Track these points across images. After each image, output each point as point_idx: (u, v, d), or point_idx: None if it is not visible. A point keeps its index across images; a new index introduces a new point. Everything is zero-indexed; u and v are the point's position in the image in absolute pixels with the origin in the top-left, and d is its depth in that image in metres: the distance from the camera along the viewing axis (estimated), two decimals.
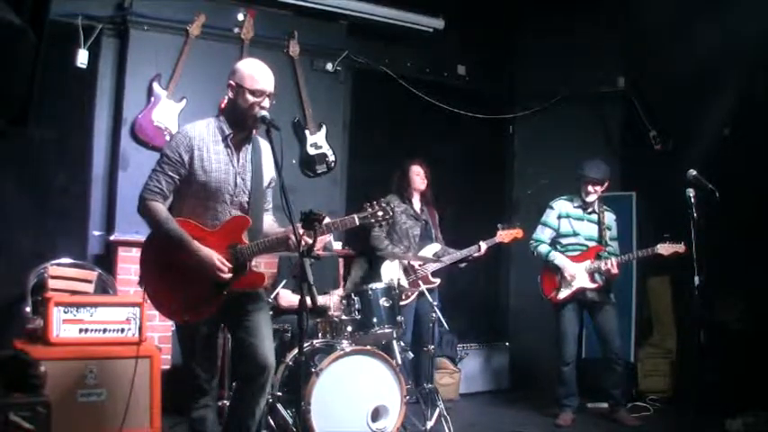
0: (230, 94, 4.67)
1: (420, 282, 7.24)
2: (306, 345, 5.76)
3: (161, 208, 4.54)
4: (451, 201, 8.26)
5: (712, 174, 6.23)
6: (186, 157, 4.54)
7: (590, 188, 7.36)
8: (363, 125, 9.00)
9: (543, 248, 7.53)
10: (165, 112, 7.52)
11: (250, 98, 4.59)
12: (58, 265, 6.81)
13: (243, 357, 4.73)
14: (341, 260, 8.16)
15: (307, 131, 8.26)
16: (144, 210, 4.56)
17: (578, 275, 7.33)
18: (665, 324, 8.86)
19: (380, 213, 4.84)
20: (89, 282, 6.79)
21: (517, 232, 7.62)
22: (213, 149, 4.61)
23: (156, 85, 7.53)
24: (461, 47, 9.56)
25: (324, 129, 8.34)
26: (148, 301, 4.67)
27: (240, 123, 4.66)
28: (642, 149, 9.03)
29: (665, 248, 7.05)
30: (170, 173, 4.55)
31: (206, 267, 4.50)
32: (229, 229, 4.64)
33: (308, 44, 8.35)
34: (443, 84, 9.46)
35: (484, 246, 7.56)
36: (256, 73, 4.63)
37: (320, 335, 6.41)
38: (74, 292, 6.47)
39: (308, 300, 4.30)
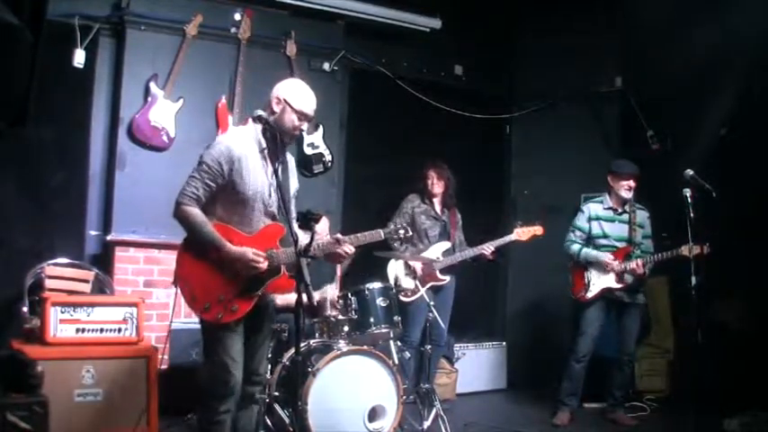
0: (275, 108, 4.84)
1: (418, 282, 7.26)
2: (303, 344, 5.75)
3: (197, 212, 4.66)
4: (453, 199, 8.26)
5: (709, 173, 6.25)
6: (226, 168, 4.66)
7: (627, 183, 7.38)
8: (360, 125, 9.01)
9: (575, 247, 7.52)
10: (162, 112, 7.53)
11: (295, 119, 4.80)
12: (56, 264, 6.82)
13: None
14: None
15: (303, 131, 8.18)
16: (180, 214, 4.67)
17: (606, 275, 7.35)
18: (663, 324, 8.88)
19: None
20: (86, 282, 6.80)
21: (537, 229, 7.53)
22: (252, 161, 4.74)
23: (153, 85, 7.54)
24: (459, 47, 9.57)
25: (321, 129, 8.36)
26: (182, 298, 4.76)
27: (279, 137, 4.81)
28: (639, 149, 9.02)
29: (689, 249, 6.70)
30: (207, 181, 4.66)
31: (242, 263, 4.65)
32: (266, 236, 4.81)
33: (305, 44, 8.36)
34: (441, 84, 9.48)
35: (490, 248, 7.53)
36: (306, 97, 4.85)
37: (317, 335, 6.43)
38: (71, 292, 6.49)
39: (305, 299, 4.35)
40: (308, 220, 4.64)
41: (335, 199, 8.57)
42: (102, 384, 5.77)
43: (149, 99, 7.54)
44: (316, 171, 8.33)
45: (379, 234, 5.03)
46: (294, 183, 5.09)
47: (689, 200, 6.07)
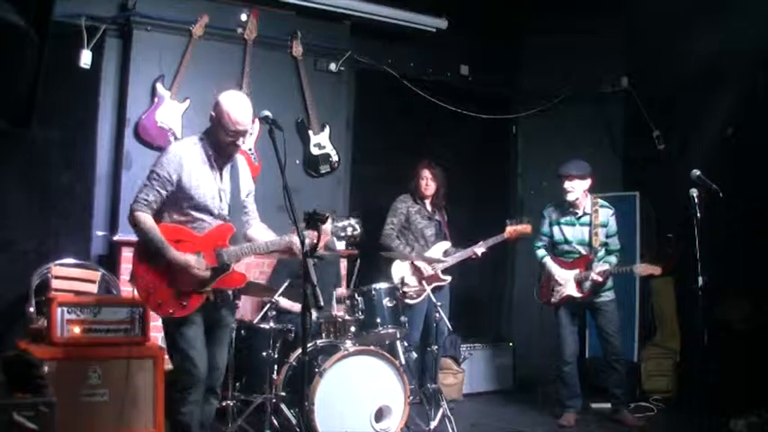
0: (210, 123, 5.06)
1: (424, 282, 7.27)
2: (309, 345, 5.75)
3: (147, 218, 4.93)
4: (455, 201, 8.25)
5: (716, 174, 6.23)
6: (175, 177, 4.94)
7: (566, 185, 7.36)
8: (367, 125, 9.00)
9: (540, 252, 7.63)
10: (169, 113, 7.53)
11: (226, 137, 4.99)
12: (62, 265, 6.84)
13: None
14: (343, 260, 8.17)
15: (310, 132, 8.26)
16: (132, 219, 4.96)
17: (567, 283, 7.37)
18: (669, 324, 8.86)
19: (350, 229, 5.12)
20: (93, 282, 6.81)
21: (525, 227, 7.52)
22: (199, 169, 5.01)
23: (159, 86, 7.54)
24: (464, 47, 9.54)
25: (327, 129, 8.34)
26: (137, 295, 5.03)
27: (219, 150, 5.07)
28: (645, 149, 9.02)
29: (641, 269, 7.19)
30: (158, 188, 4.94)
31: (184, 268, 4.92)
32: (215, 236, 5.06)
33: (311, 44, 8.35)
34: (446, 84, 9.44)
35: (480, 250, 7.53)
36: (234, 113, 4.95)
37: (323, 335, 6.44)
38: (77, 293, 6.50)
39: (312, 300, 4.40)
40: (314, 221, 4.65)
41: (342, 199, 8.55)
42: (109, 385, 5.76)
43: (156, 100, 7.53)
44: (322, 171, 8.31)
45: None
46: (247, 184, 5.33)
47: (695, 200, 6.05)
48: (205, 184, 5.01)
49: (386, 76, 8.96)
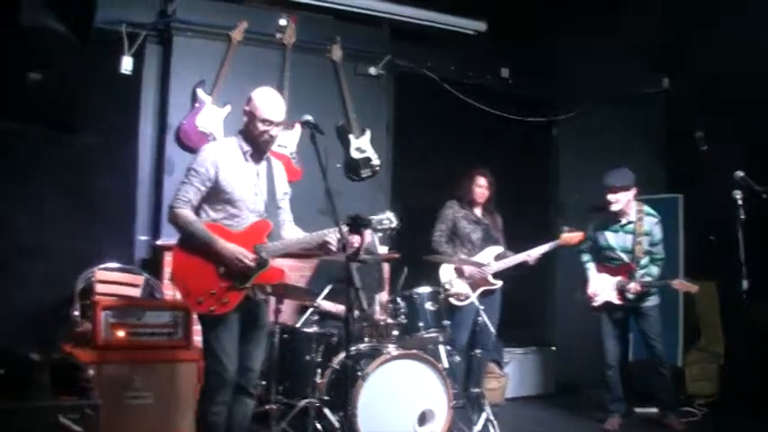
0: (245, 119, 5.16)
1: (472, 285, 7.25)
2: (352, 349, 5.75)
3: (188, 213, 5.01)
4: (496, 205, 8.21)
5: (759, 175, 6.16)
6: (213, 171, 5.01)
7: (609, 197, 7.31)
8: (407, 129, 8.97)
9: (583, 257, 7.63)
10: (210, 118, 7.55)
11: (260, 126, 5.06)
12: (106, 269, 6.89)
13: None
14: (386, 264, 8.17)
15: (351, 136, 8.26)
16: (173, 217, 5.04)
17: (606, 290, 7.34)
18: (713, 328, 8.74)
19: (386, 222, 5.15)
20: (136, 286, 6.85)
21: (578, 236, 7.48)
22: (236, 164, 5.09)
23: (200, 91, 7.57)
24: (504, 49, 9.47)
25: (368, 133, 8.34)
26: (178, 293, 5.13)
27: (254, 145, 5.14)
28: (688, 151, 8.93)
29: (678, 284, 7.18)
30: (197, 185, 5.02)
31: (232, 259, 4.96)
32: (253, 232, 5.10)
33: (350, 48, 8.35)
34: (486, 86, 9.38)
35: (534, 255, 7.49)
36: (267, 104, 5.08)
37: (366, 339, 6.44)
38: (121, 297, 6.54)
39: (355, 304, 4.42)
40: (357, 225, 4.67)
41: (383, 203, 8.45)
42: (153, 388, 5.81)
43: (197, 105, 7.57)
44: (363, 175, 8.32)
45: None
46: (283, 185, 5.38)
47: (739, 202, 5.98)
48: (242, 178, 5.08)
49: (425, 79, 8.93)
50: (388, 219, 5.12)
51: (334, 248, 5.04)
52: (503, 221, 7.86)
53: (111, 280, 6.75)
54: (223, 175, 5.01)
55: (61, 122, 6.66)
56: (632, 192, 7.33)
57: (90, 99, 6.71)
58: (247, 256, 4.97)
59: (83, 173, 7.25)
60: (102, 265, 6.91)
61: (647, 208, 7.40)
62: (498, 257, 7.56)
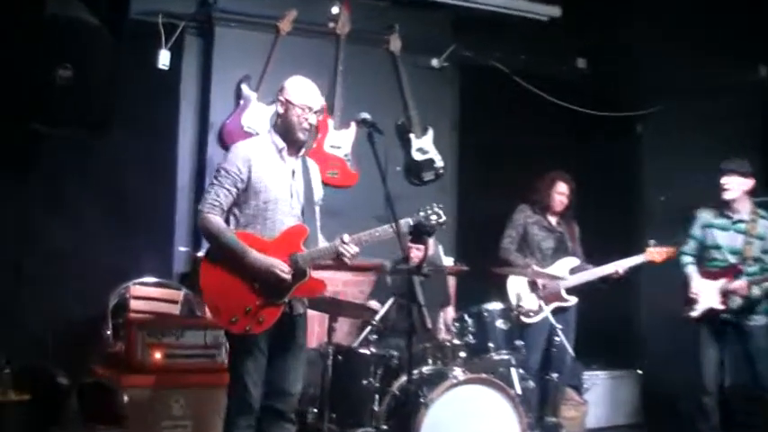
0: (280, 110, 5.13)
1: (542, 302, 7.15)
2: (414, 372, 5.69)
3: (218, 220, 4.95)
4: (574, 210, 8.09)
5: None
6: (245, 171, 4.98)
7: (723, 180, 7.10)
8: (474, 127, 8.89)
9: (684, 259, 7.36)
10: (256, 116, 7.52)
11: (299, 114, 5.04)
12: (141, 284, 6.90)
13: (271, 384, 5.07)
14: (452, 277, 8.09)
15: (411, 135, 8.23)
16: (202, 223, 4.98)
17: (707, 294, 7.13)
18: None
19: (434, 216, 5.08)
20: (174, 302, 6.86)
21: (669, 251, 7.33)
22: (269, 162, 5.06)
23: (244, 87, 7.55)
24: (581, 37, 9.33)
25: (430, 132, 8.30)
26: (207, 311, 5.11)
27: (291, 137, 5.10)
28: None
29: None
30: (227, 186, 4.97)
31: (267, 273, 4.87)
32: (288, 239, 5.01)
33: (410, 38, 8.30)
34: (562, 78, 9.26)
35: (620, 268, 7.39)
36: (303, 90, 5.11)
37: (430, 361, 6.36)
38: (158, 314, 6.56)
39: (419, 322, 4.36)
40: (420, 234, 4.60)
41: (449, 209, 8.31)
42: (192, 415, 5.80)
43: (241, 102, 7.55)
44: (426, 179, 8.27)
45: (400, 225, 4.91)
46: (318, 189, 5.33)
47: None
48: (277, 178, 5.06)
49: (494, 71, 8.83)
50: (436, 213, 5.07)
51: (348, 261, 5.00)
52: (580, 231, 7.75)
53: (148, 296, 6.79)
54: (256, 174, 4.99)
55: (93, 123, 6.73)
56: (748, 182, 7.12)
57: (124, 97, 6.76)
58: (283, 268, 4.90)
59: (116, 178, 7.28)
60: (137, 279, 6.92)
61: (763, 211, 7.21)
62: (574, 271, 7.47)
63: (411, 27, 8.33)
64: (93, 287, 6.86)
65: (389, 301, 6.63)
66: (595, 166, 9.28)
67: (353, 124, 7.69)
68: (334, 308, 5.89)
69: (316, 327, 7.15)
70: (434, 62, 8.45)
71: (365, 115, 4.92)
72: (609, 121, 9.21)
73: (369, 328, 6.46)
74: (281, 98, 5.11)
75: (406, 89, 8.24)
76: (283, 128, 5.10)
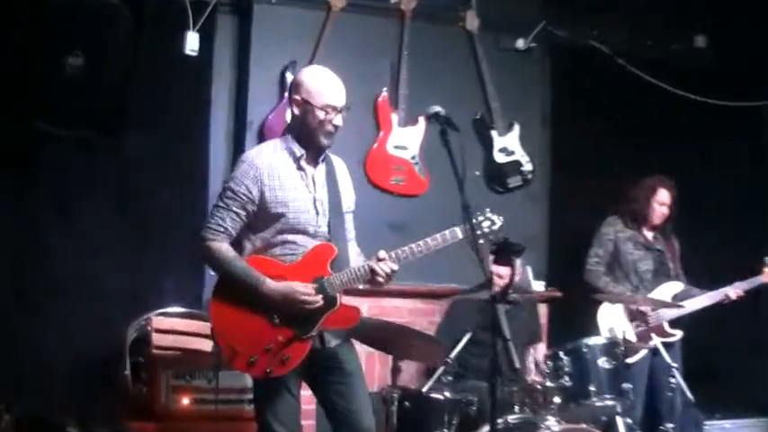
0: (296, 111, 5.10)
1: (652, 334, 7.10)
2: (499, 422, 5.66)
3: (225, 247, 4.96)
4: (688, 220, 8.01)
5: None
6: (255, 191, 4.97)
7: None
8: (569, 121, 8.87)
9: None
10: None
11: (320, 115, 5.01)
12: (166, 314, 6.93)
13: (341, 426, 5.09)
14: (543, 305, 8.09)
15: (493, 132, 8.23)
16: (205, 252, 4.99)
17: None
18: None
19: (487, 223, 5.10)
20: (206, 337, 6.82)
21: None
22: (285, 176, 5.05)
23: (289, 76, 7.52)
24: (698, 10, 9.24)
25: (516, 128, 8.30)
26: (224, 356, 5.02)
27: (311, 143, 5.09)
28: None
29: None
30: (235, 209, 4.97)
31: (286, 301, 4.85)
32: (311, 262, 5.01)
33: (490, 14, 8.30)
34: (676, 61, 9.21)
35: (733, 292, 7.34)
36: (325, 85, 5.08)
37: (517, 408, 6.33)
38: (186, 351, 6.58)
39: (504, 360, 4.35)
40: (506, 253, 4.55)
41: (539, 222, 8.52)
42: None
43: (286, 94, 7.49)
44: (511, 185, 8.27)
45: (444, 237, 4.97)
46: (349, 194, 5.33)
47: None
48: (295, 193, 5.04)
49: (592, 53, 8.83)
50: (489, 220, 5.08)
51: (382, 281, 4.97)
52: (680, 247, 7.77)
53: (173, 328, 6.79)
54: (270, 193, 4.98)
55: (107, 122, 6.77)
56: None
57: (144, 90, 6.80)
58: (305, 293, 4.88)
59: (135, 187, 7.33)
60: (161, 309, 6.95)
61: None
62: (678, 297, 7.42)
63: (492, 1, 8.33)
64: (107, 318, 6.90)
65: (467, 335, 6.61)
66: (718, 166, 9.20)
67: (422, 120, 7.72)
68: (400, 346, 5.87)
69: (377, 366, 7.15)
70: (520, 43, 8.43)
71: (437, 109, 4.88)
72: (735, 111, 9.12)
73: (442, 367, 6.44)
74: (296, 97, 5.07)
75: (485, 76, 8.22)
76: (302, 132, 5.09)
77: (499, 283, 6.70)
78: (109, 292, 7.03)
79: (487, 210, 5.08)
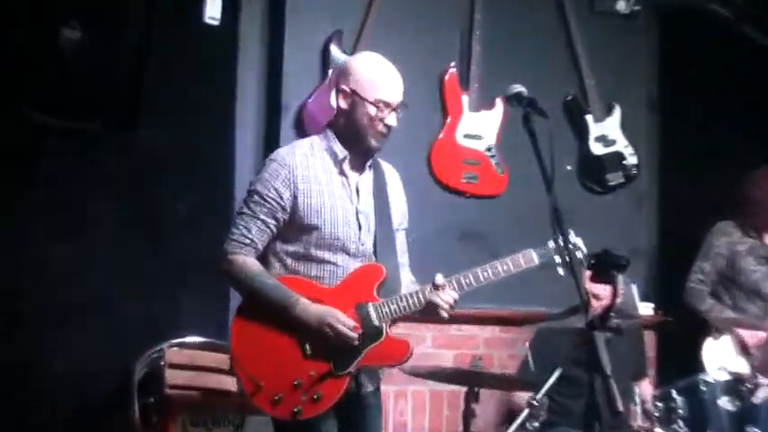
0: (342, 104, 5.11)
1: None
2: None
3: (251, 261, 4.99)
4: None
5: None
6: (286, 195, 5.00)
7: None
8: (683, 103, 8.79)
9: None
10: None
11: (371, 112, 5.02)
12: (182, 345, 6.88)
13: None
14: (651, 333, 7.92)
15: (588, 117, 8.23)
16: (227, 267, 5.01)
17: None
18: None
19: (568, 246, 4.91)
20: (230, 374, 6.76)
21: None
22: (324, 181, 5.09)
23: (334, 49, 7.56)
24: None
25: (617, 111, 8.29)
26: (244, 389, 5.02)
27: (358, 144, 5.12)
28: None
29: None
30: (263, 217, 4.99)
31: (322, 329, 4.85)
32: (355, 285, 5.04)
33: None
34: None
35: None
36: (379, 77, 5.09)
37: None
38: (207, 391, 6.54)
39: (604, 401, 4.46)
40: (606, 268, 4.44)
41: (646, 229, 8.54)
42: None
43: (330, 72, 7.53)
44: (611, 182, 8.26)
45: (517, 262, 5.01)
46: (398, 206, 5.36)
47: None
48: (336, 201, 5.07)
49: (710, 19, 8.68)
50: (574, 245, 4.99)
51: (445, 313, 4.97)
52: None
53: (192, 363, 6.75)
54: (304, 200, 5.00)
55: (113, 110, 6.73)
56: None
57: (157, 70, 6.74)
58: (346, 323, 4.85)
59: (146, 188, 7.29)
60: (176, 339, 6.91)
61: None
62: None
63: None
64: (111, 349, 6.86)
65: (556, 372, 6.51)
66: None
67: (500, 102, 7.70)
68: (472, 383, 5.79)
69: (445, 409, 7.08)
70: (621, 5, 8.40)
71: (519, 89, 4.74)
72: None
73: (526, 411, 6.34)
74: (344, 87, 5.07)
75: (578, 47, 8.21)
76: (347, 130, 5.11)
77: (597, 305, 6.62)
78: (114, 318, 7.00)
79: (571, 232, 4.98)
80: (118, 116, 6.71)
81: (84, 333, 6.84)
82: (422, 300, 4.93)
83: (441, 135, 7.69)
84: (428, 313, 5.00)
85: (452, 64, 7.88)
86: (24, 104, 6.44)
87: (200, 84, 7.45)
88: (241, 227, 4.95)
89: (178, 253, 7.33)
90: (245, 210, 4.99)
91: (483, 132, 7.77)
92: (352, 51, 7.49)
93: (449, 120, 7.76)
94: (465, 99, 7.81)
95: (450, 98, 7.82)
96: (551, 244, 5.01)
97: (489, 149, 7.77)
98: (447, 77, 7.85)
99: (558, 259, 5.01)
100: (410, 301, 4.94)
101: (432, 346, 7.37)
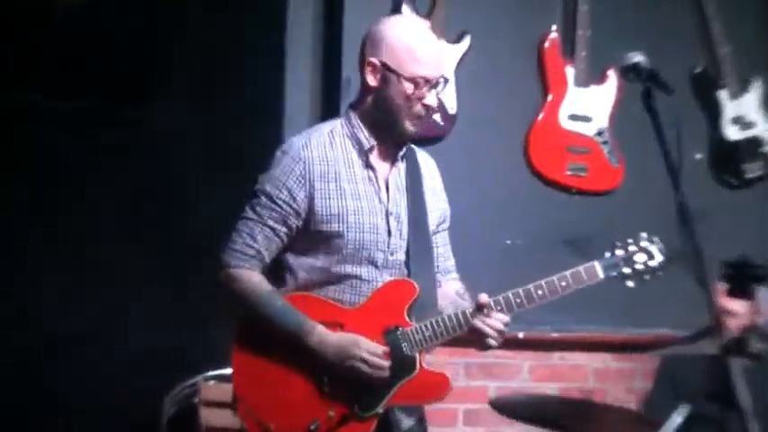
0: (371, 81, 5.11)
1: None
2: None
3: (257, 278, 5.07)
4: None
5: None
6: (301, 197, 5.05)
7: None
8: None
9: None
10: None
11: (407, 90, 5.02)
12: (219, 378, 7.03)
13: None
14: None
15: (722, 93, 8.27)
16: (225, 282, 5.12)
17: None
18: None
19: (632, 248, 5.15)
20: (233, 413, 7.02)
21: None
22: (346, 177, 5.15)
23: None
24: None
25: (757, 87, 8.34)
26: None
27: (390, 129, 5.16)
28: None
29: None
30: (272, 223, 5.06)
31: (344, 361, 4.91)
32: (382, 305, 5.09)
33: None
34: None
35: None
36: (417, 47, 5.07)
37: None
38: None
39: None
40: (744, 279, 4.64)
41: None
42: None
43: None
44: (749, 174, 8.28)
45: (578, 277, 5.08)
46: (436, 204, 5.40)
47: None
48: (359, 203, 5.12)
49: None
50: (646, 251, 5.14)
51: (493, 342, 5.00)
52: None
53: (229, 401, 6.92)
54: (323, 201, 5.06)
55: (124, 86, 6.92)
56: None
57: (180, 39, 6.97)
58: (374, 352, 4.93)
59: (168, 182, 7.57)
60: (211, 372, 7.09)
61: None
62: None
63: None
64: (134, 383, 7.05)
65: (684, 408, 6.75)
66: None
67: (614, 75, 7.82)
68: (580, 422, 5.96)
69: None
70: None
71: (636, 58, 4.54)
72: None
73: None
74: (373, 60, 5.07)
75: (708, 9, 8.25)
76: (377, 113, 5.14)
77: (733, 325, 6.82)
78: (136, 348, 7.18)
79: (643, 235, 5.11)
80: (128, 92, 6.74)
81: (102, 364, 7.07)
82: (462, 323, 4.95)
83: (540, 116, 7.66)
84: (476, 344, 5.03)
85: (554, 28, 7.90)
86: (13, 81, 6.58)
87: (241, 55, 7.74)
88: (245, 234, 5.02)
89: (207, 269, 7.52)
90: (250, 214, 5.04)
91: (592, 113, 7.81)
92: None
93: (550, 98, 7.76)
94: (570, 71, 7.83)
95: (551, 70, 7.80)
96: (618, 252, 5.08)
97: (600, 134, 7.80)
98: (547, 45, 7.83)
99: (627, 271, 5.08)
100: (448, 325, 4.97)
101: (530, 378, 7.37)
